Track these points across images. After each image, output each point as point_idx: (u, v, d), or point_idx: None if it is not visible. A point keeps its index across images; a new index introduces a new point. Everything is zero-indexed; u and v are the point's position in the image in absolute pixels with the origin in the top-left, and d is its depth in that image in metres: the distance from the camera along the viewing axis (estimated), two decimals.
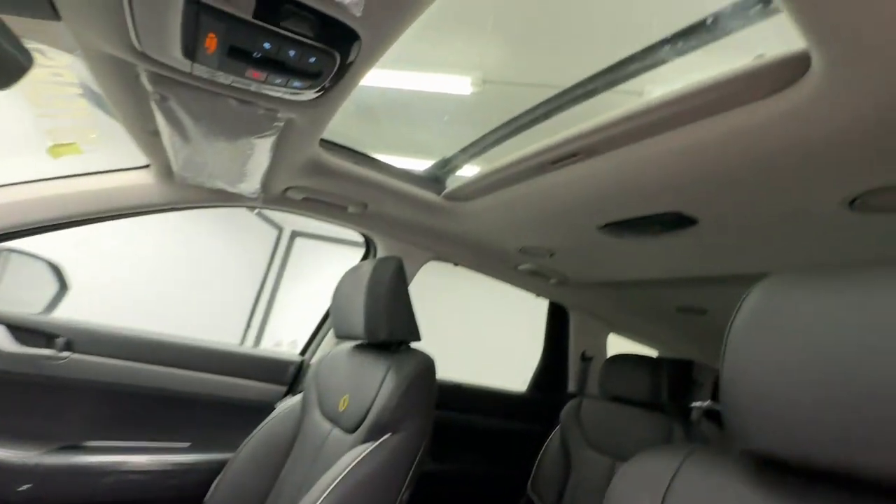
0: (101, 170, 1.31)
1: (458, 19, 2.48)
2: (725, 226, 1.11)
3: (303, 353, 1.83)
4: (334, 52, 0.67)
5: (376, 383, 1.11)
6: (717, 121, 0.77)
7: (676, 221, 1.12)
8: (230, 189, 1.30)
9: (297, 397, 1.40)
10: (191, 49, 0.66)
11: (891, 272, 0.44)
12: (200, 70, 0.73)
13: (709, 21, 0.68)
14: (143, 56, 0.73)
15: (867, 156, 0.74)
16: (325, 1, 0.58)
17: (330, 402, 1.26)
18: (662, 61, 0.87)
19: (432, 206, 1.47)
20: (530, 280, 2.04)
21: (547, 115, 1.13)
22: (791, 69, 0.66)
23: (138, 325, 1.50)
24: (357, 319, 1.21)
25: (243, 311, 5.96)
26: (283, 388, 1.68)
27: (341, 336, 1.34)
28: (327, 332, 1.80)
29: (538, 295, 2.21)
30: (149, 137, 1.10)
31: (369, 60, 0.72)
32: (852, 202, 0.88)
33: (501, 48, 2.78)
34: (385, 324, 1.16)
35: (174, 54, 0.69)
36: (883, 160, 0.75)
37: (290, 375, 1.69)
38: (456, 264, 1.92)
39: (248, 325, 5.95)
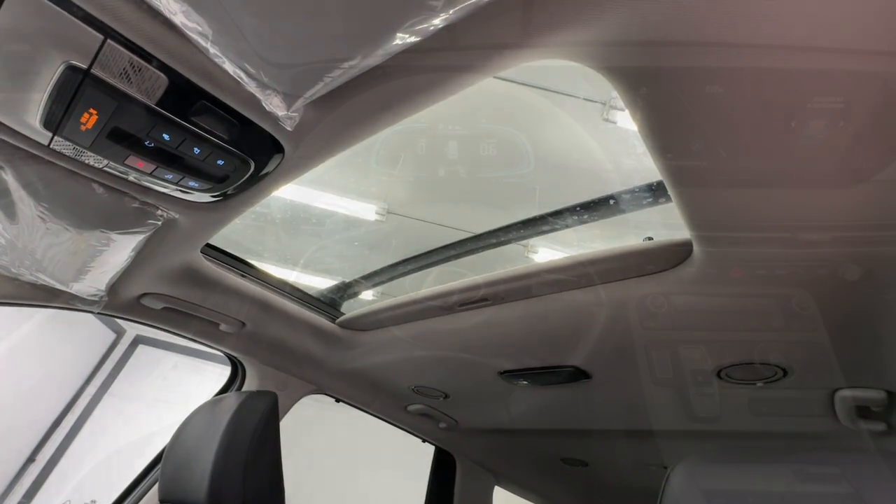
0: None
1: (372, 150, 2.64)
2: (615, 385, 1.16)
3: None
4: (249, 160, 0.59)
5: None
6: (611, 287, 0.87)
7: (573, 375, 1.14)
8: (59, 287, 1.00)
9: None
10: (55, 120, 0.53)
11: (794, 462, 0.48)
12: (63, 145, 0.59)
13: (611, 202, 0.77)
14: None
15: (731, 334, 0.86)
16: (252, 106, 0.52)
17: None
18: (565, 226, 0.97)
19: (324, 332, 1.31)
20: (419, 422, 1.86)
21: (458, 256, 1.15)
22: (676, 254, 0.76)
23: None
24: (198, 478, 0.91)
25: (23, 446, 4.11)
26: None
27: (168, 501, 0.99)
28: (145, 492, 1.34)
29: (425, 439, 2.02)
30: None
31: (288, 176, 0.65)
32: (719, 373, 1.00)
33: (408, 185, 3.00)
34: (239, 487, 0.89)
35: (28, 121, 0.54)
36: (740, 340, 0.87)
37: None
38: (338, 400, 1.68)
39: (21, 472, 4.03)
